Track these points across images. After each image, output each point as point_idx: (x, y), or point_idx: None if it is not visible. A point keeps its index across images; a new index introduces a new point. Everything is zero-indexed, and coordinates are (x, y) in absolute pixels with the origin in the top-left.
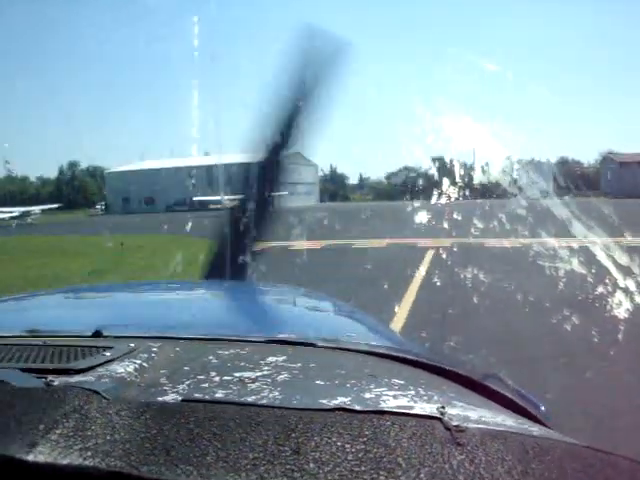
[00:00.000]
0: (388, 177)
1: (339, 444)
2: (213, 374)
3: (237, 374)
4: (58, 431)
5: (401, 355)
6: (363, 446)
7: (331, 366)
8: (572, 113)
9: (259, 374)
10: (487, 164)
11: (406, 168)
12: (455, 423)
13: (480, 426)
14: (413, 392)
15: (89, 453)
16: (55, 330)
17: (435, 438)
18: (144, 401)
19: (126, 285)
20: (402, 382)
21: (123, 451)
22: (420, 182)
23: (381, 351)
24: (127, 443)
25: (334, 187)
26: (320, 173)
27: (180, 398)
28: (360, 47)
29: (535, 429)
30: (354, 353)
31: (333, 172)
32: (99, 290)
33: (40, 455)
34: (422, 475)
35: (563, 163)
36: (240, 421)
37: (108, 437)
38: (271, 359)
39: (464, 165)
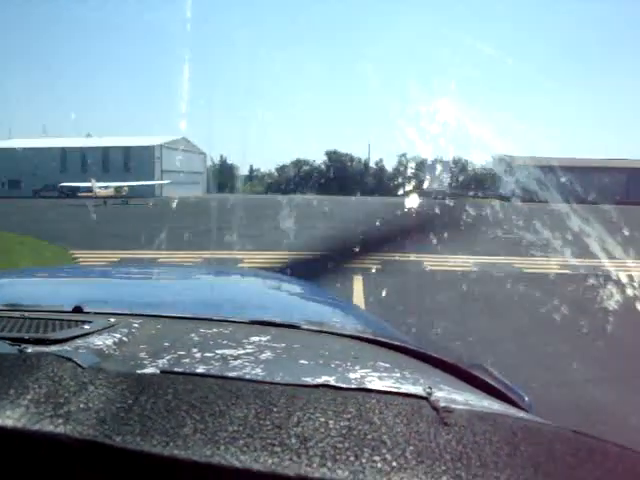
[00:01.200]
0: (280, 169)
1: (322, 420)
2: (194, 350)
3: (219, 351)
4: (29, 396)
5: (387, 341)
6: (347, 423)
7: (315, 347)
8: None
9: (242, 352)
10: (381, 160)
11: (299, 161)
12: (442, 404)
13: (467, 407)
14: (398, 375)
15: (60, 420)
16: (35, 305)
17: (422, 417)
18: (121, 371)
19: (110, 266)
20: (387, 365)
21: (97, 420)
22: (314, 175)
23: (366, 336)
24: (101, 412)
25: (224, 178)
26: (210, 162)
27: (159, 371)
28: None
29: (522, 414)
30: (339, 337)
31: (223, 162)
32: (81, 269)
33: (8, 420)
34: (407, 454)
35: (456, 162)
36: (220, 394)
37: (81, 405)
38: (254, 339)
39: (359, 160)
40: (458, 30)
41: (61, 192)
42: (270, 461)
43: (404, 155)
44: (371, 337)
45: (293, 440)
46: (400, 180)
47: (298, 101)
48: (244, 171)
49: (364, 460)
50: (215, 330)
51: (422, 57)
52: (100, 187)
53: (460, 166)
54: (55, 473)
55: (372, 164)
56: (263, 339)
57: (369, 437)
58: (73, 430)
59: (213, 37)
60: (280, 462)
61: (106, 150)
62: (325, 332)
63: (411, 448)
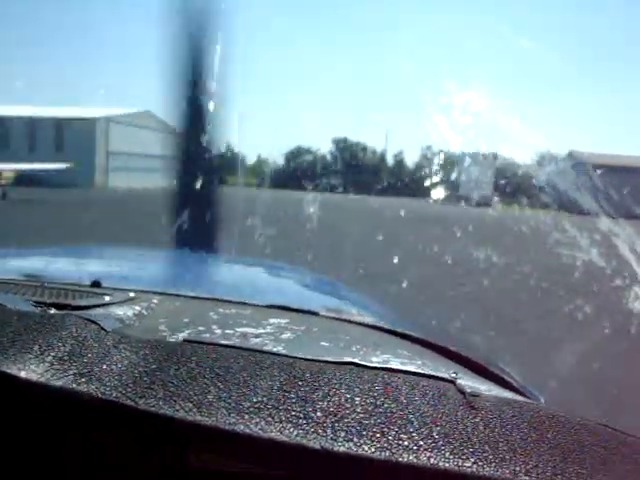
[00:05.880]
0: (289, 157)
1: (348, 396)
2: (214, 327)
3: (239, 329)
4: (52, 353)
5: (406, 332)
6: (373, 400)
7: (335, 332)
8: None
9: (262, 331)
10: (401, 152)
11: (299, 149)
12: (469, 389)
13: (494, 394)
14: (420, 362)
15: (84, 379)
16: (54, 277)
17: (448, 400)
18: (144, 338)
19: (127, 247)
20: (408, 353)
21: (119, 382)
22: (318, 167)
23: (385, 326)
24: (124, 375)
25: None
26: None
27: (182, 340)
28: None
29: (545, 406)
30: (357, 325)
31: (228, 149)
32: (99, 249)
33: (32, 374)
34: (434, 434)
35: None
36: (244, 365)
37: (104, 366)
38: (273, 320)
39: (373, 151)
40: (489, 18)
41: None
42: (295, 432)
43: (429, 148)
44: (390, 328)
45: (319, 414)
46: (425, 178)
47: (299, 77)
48: (251, 160)
49: (390, 437)
50: (233, 310)
51: (454, 44)
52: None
53: (501, 165)
54: (75, 430)
55: (389, 157)
56: (282, 321)
57: (396, 415)
58: (96, 390)
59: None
60: (305, 435)
61: (31, 122)
62: (343, 320)
63: (438, 429)
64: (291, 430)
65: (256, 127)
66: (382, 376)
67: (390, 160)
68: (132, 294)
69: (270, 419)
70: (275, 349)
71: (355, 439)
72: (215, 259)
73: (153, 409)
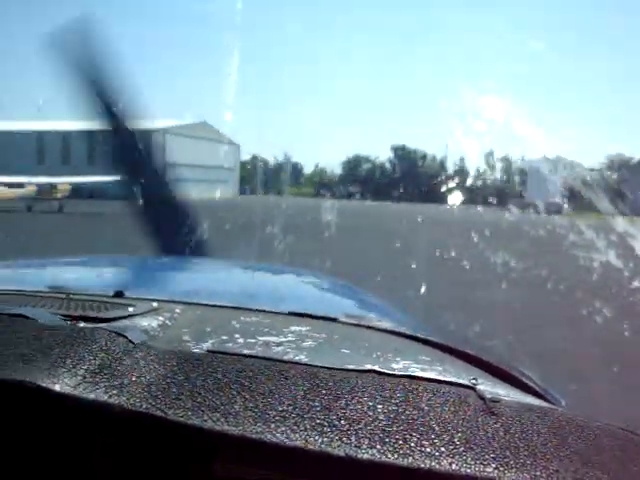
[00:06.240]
0: (346, 167)
1: (370, 404)
2: (237, 336)
3: (261, 338)
4: (84, 367)
5: (426, 337)
6: (395, 407)
7: (355, 339)
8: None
9: (284, 339)
10: (462, 159)
11: (357, 157)
12: (489, 395)
13: (514, 399)
14: (440, 368)
15: (115, 391)
16: (77, 287)
17: (469, 406)
18: (170, 349)
19: (145, 257)
20: (429, 359)
21: (149, 393)
22: (376, 175)
23: (405, 332)
24: (153, 386)
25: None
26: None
27: (206, 350)
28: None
29: (566, 410)
30: (377, 331)
31: (287, 160)
32: (120, 259)
33: (66, 387)
34: (456, 440)
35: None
36: (268, 375)
37: (134, 378)
38: (294, 328)
39: (433, 158)
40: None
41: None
42: (320, 440)
43: (491, 154)
44: (410, 333)
45: (342, 422)
46: (490, 186)
47: (357, 88)
48: (309, 169)
49: (413, 444)
50: (255, 319)
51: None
52: (37, 183)
53: (569, 171)
54: (106, 442)
55: (450, 164)
56: (303, 329)
57: (417, 422)
58: (127, 401)
59: (263, 19)
60: (330, 442)
61: (91, 135)
62: (363, 326)
63: (459, 435)
64: (316, 438)
65: (314, 137)
66: (403, 383)
67: (451, 167)
68: (155, 304)
69: (295, 427)
70: (297, 358)
71: (378, 446)
72: (231, 266)
73: (182, 419)
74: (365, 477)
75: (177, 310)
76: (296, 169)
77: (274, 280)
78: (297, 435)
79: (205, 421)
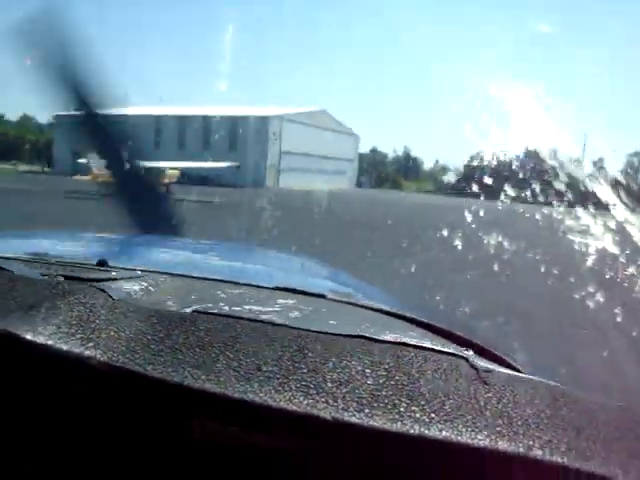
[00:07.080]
0: (469, 164)
1: (359, 368)
2: (222, 304)
3: (247, 307)
4: (60, 317)
5: (413, 317)
6: (385, 373)
7: (344, 314)
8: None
9: (270, 309)
10: (601, 160)
11: (482, 153)
12: (481, 366)
13: (507, 371)
14: (430, 343)
15: (91, 344)
16: (60, 256)
17: (461, 374)
18: (152, 308)
19: (133, 234)
20: (417, 335)
21: (127, 348)
22: (486, 175)
23: (393, 311)
24: (132, 342)
25: (405, 171)
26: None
27: (190, 311)
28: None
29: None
30: (365, 309)
31: (406, 154)
32: (106, 235)
33: (39, 336)
34: (447, 407)
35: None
36: (254, 336)
37: (112, 333)
38: (281, 301)
39: (569, 158)
40: None
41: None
42: (305, 402)
43: (637, 154)
44: (397, 312)
45: (329, 384)
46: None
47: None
48: (429, 165)
49: (402, 409)
50: (241, 291)
51: None
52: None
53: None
54: (80, 394)
55: (588, 163)
56: (290, 302)
57: (407, 388)
58: (103, 355)
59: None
60: (316, 404)
61: (207, 120)
62: (351, 303)
63: (451, 402)
64: (301, 399)
65: (435, 132)
66: (393, 349)
67: (589, 167)
68: (139, 272)
69: (280, 388)
70: (285, 323)
71: (366, 410)
72: (218, 246)
73: (161, 375)
74: (352, 441)
75: (160, 279)
76: (415, 163)
77: (263, 260)
78: (281, 396)
79: (185, 378)
